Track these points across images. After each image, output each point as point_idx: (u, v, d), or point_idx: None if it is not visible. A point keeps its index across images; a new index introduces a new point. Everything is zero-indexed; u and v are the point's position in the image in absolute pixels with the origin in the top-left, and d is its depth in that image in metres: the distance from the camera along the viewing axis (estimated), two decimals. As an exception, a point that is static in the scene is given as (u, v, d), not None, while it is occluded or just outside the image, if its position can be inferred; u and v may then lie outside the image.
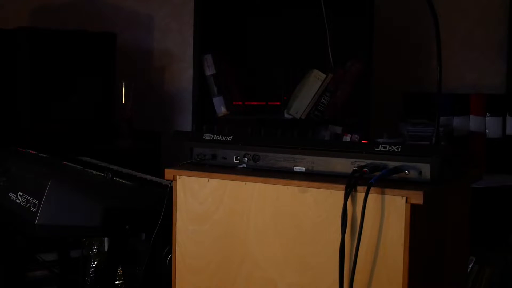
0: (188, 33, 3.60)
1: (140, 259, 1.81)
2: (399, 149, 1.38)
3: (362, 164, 1.41)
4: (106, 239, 1.95)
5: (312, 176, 1.47)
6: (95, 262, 1.98)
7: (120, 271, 1.95)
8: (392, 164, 1.39)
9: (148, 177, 2.13)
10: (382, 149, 1.39)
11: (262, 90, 3.43)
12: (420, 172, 1.38)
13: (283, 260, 1.46)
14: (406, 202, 1.32)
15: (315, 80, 3.22)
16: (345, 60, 3.32)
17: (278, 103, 3.36)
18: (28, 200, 1.74)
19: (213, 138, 1.58)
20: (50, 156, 2.22)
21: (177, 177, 1.58)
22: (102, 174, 1.89)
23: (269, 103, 3.44)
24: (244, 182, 1.50)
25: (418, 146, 1.38)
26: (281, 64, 3.41)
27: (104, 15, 3.59)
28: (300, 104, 3.21)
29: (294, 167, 1.52)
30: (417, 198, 1.31)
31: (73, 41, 3.18)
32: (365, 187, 1.33)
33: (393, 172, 1.38)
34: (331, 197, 1.40)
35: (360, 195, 1.35)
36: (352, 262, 1.34)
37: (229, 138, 1.56)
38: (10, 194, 1.84)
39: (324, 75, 3.22)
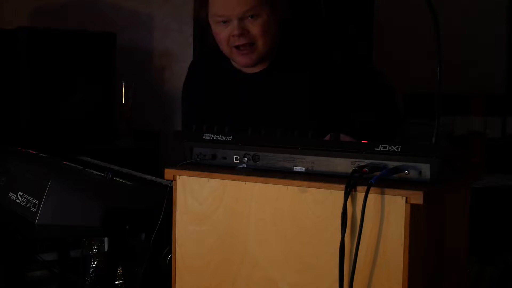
0: (188, 33, 3.61)
1: (140, 259, 1.81)
2: (399, 149, 1.38)
3: (362, 164, 1.41)
4: (106, 239, 1.95)
5: (312, 176, 1.47)
6: (95, 262, 1.98)
7: (120, 271, 1.94)
8: (392, 164, 1.39)
9: (148, 177, 2.13)
10: (382, 149, 1.39)
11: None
12: (420, 172, 1.38)
13: (283, 260, 1.46)
14: (406, 202, 1.32)
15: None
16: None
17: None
18: (28, 200, 1.74)
19: (213, 138, 1.58)
20: (50, 156, 2.22)
21: (177, 177, 1.58)
22: (102, 174, 1.89)
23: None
24: (244, 182, 1.50)
25: (418, 146, 1.38)
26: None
27: (104, 15, 3.59)
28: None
29: (294, 167, 1.52)
30: (417, 198, 1.31)
31: (73, 41, 3.18)
32: (365, 187, 1.33)
33: (393, 172, 1.38)
34: (331, 197, 1.40)
35: (360, 195, 1.35)
36: (352, 262, 1.34)
37: (229, 138, 1.56)
38: (10, 194, 1.84)
39: (324, 75, 3.22)
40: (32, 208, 1.71)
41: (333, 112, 1.94)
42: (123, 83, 3.33)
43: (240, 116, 2.00)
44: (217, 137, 1.57)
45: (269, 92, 2.00)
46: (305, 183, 1.43)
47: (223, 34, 1.93)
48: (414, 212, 1.33)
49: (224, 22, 1.91)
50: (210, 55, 2.09)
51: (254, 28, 1.91)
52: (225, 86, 2.06)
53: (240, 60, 1.97)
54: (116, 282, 1.94)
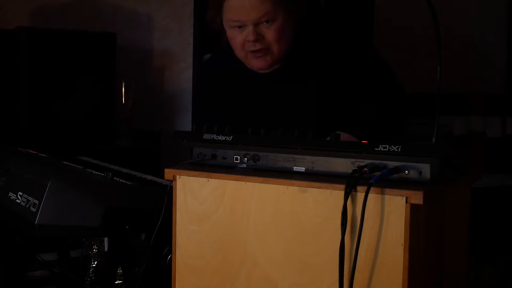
0: (188, 33, 3.61)
1: (140, 259, 1.81)
2: (399, 149, 1.38)
3: (362, 164, 1.41)
4: (106, 239, 1.95)
5: (312, 176, 1.47)
6: (95, 262, 1.98)
7: (120, 271, 1.95)
8: (392, 164, 1.39)
9: (148, 177, 2.13)
10: (382, 149, 1.39)
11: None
12: (420, 172, 1.38)
13: (283, 260, 1.46)
14: (406, 202, 1.32)
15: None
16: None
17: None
18: (28, 200, 1.74)
19: (213, 138, 1.58)
20: (50, 156, 2.22)
21: (177, 177, 1.58)
22: (102, 174, 1.89)
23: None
24: (244, 182, 1.50)
25: (418, 146, 1.38)
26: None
27: (104, 15, 3.59)
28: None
29: (294, 167, 1.52)
30: (417, 198, 1.31)
31: (73, 41, 3.18)
32: (365, 187, 1.33)
33: (393, 172, 1.38)
34: (331, 197, 1.40)
35: (360, 195, 1.35)
36: (352, 262, 1.34)
37: (229, 138, 1.56)
38: (10, 194, 1.84)
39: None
40: (32, 208, 1.71)
41: (337, 112, 1.93)
42: (123, 83, 3.33)
43: (253, 115, 1.99)
44: (217, 137, 1.58)
45: (281, 92, 1.99)
46: (305, 183, 1.43)
47: (238, 39, 1.91)
48: (414, 212, 1.33)
49: (239, 27, 1.90)
50: (223, 55, 2.08)
51: (269, 33, 1.89)
52: (238, 86, 2.05)
53: (255, 64, 1.95)
54: (116, 282, 1.94)
